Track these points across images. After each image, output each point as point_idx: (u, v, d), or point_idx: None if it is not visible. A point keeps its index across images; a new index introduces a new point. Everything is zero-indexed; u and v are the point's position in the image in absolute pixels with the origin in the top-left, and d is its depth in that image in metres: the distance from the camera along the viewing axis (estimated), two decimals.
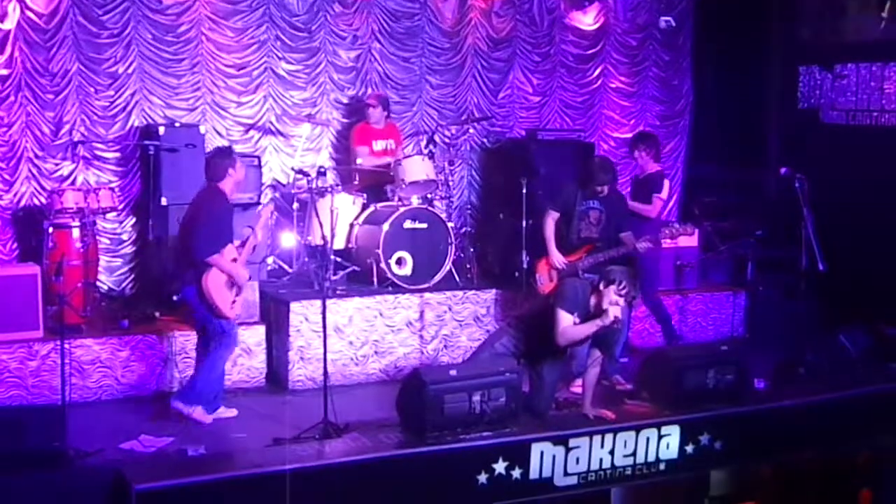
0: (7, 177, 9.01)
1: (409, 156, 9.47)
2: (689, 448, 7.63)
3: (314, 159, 10.01)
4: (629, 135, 11.34)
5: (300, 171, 9.48)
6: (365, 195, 9.47)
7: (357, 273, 9.20)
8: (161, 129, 9.01)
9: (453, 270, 9.27)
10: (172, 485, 6.24)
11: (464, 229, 10.32)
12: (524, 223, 9.28)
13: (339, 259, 9.12)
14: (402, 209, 9.05)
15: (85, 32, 9.15)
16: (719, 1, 11.36)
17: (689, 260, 10.13)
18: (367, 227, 9.17)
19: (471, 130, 10.68)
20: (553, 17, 11.09)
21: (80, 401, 7.73)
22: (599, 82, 11.38)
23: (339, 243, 9.15)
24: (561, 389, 7.89)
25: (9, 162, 9.01)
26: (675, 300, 9.95)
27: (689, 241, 9.87)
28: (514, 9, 10.91)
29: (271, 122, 9.99)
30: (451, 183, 10.07)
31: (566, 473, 7.22)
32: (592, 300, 7.34)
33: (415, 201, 9.27)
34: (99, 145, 9.31)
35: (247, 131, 9.92)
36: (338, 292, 8.77)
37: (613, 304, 7.20)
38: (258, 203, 9.25)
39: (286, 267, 9.23)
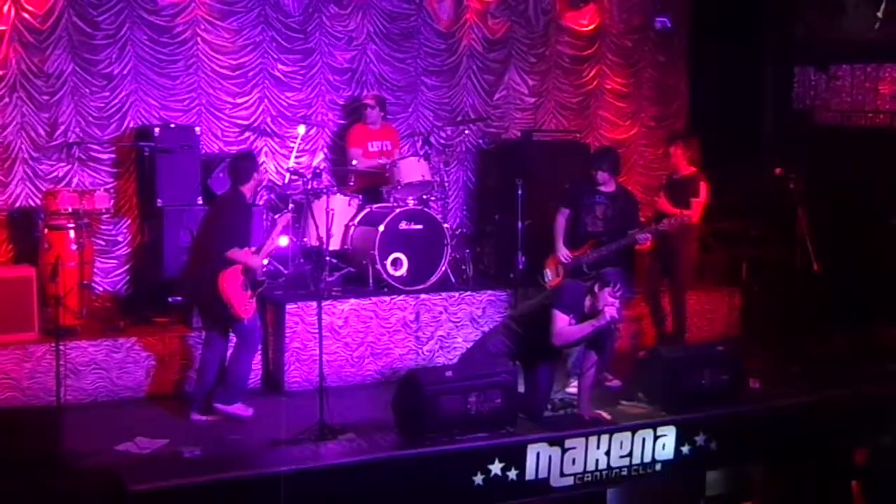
0: (2, 178, 8.98)
1: (405, 157, 9.47)
2: (685, 448, 7.65)
3: (310, 160, 10.01)
4: (624, 136, 11.40)
5: (296, 173, 9.48)
6: (360, 196, 9.47)
7: (353, 274, 9.21)
8: (156, 131, 9.01)
9: (449, 272, 9.27)
10: (168, 486, 6.24)
11: (459, 230, 10.31)
12: (520, 224, 9.28)
13: (334, 260, 9.13)
14: (397, 210, 9.05)
15: (80, 33, 9.13)
16: (714, 2, 11.39)
17: None
18: (363, 229, 9.17)
19: (466, 132, 10.65)
20: (548, 19, 11.09)
21: (76, 402, 7.74)
22: (595, 83, 11.39)
23: (334, 244, 9.15)
24: (557, 391, 7.91)
25: (4, 163, 8.98)
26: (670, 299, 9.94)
27: None
28: (509, 10, 10.91)
29: (267, 124, 9.97)
30: (446, 184, 10.10)
31: (562, 474, 7.24)
32: (588, 301, 7.36)
33: (410, 202, 9.27)
34: (94, 146, 9.28)
35: (242, 132, 9.90)
36: (333, 294, 8.78)
37: (609, 305, 7.23)
38: (254, 204, 9.24)
39: (282, 268, 9.22)
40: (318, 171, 9.66)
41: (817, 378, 8.64)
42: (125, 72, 9.34)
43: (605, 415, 7.54)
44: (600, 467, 7.35)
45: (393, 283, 8.98)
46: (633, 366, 8.66)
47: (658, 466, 7.57)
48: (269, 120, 9.98)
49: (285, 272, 9.20)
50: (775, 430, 8.01)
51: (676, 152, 9.20)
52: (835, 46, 10.72)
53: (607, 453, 7.36)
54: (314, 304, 7.83)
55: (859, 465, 8.49)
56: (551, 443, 7.18)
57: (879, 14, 10.14)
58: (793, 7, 11.12)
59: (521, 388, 7.50)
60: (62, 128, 9.15)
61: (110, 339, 8.12)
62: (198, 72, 9.64)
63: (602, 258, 8.34)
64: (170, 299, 8.65)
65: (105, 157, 9.37)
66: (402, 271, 9.05)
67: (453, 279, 9.32)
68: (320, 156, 10.14)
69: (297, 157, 9.82)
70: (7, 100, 8.93)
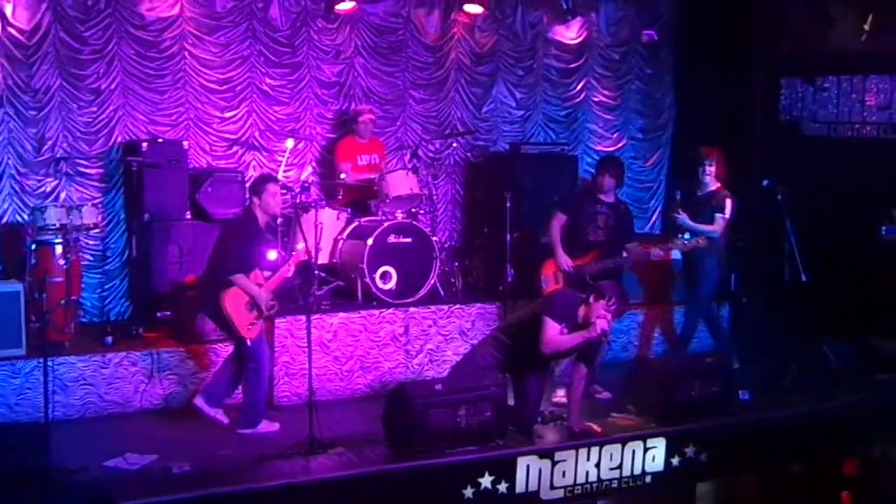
0: None
1: (394, 170, 9.48)
2: (675, 460, 7.64)
3: (298, 174, 10.00)
4: (612, 148, 11.41)
5: (284, 186, 9.44)
6: (349, 210, 9.47)
7: (342, 288, 9.20)
8: (144, 145, 9.00)
9: (438, 285, 9.27)
10: (157, 502, 6.21)
11: (448, 244, 10.33)
12: (509, 237, 9.28)
13: (323, 274, 9.12)
14: (386, 224, 9.06)
15: (67, 48, 9.12)
16: (701, 15, 11.43)
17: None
18: (352, 242, 9.17)
19: (454, 145, 10.68)
20: (536, 32, 11.13)
21: (64, 418, 7.70)
22: (583, 96, 11.42)
23: (323, 258, 9.15)
24: (544, 402, 7.90)
25: None
26: (658, 312, 9.96)
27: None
28: (496, 23, 10.94)
29: (255, 138, 9.98)
30: (435, 197, 10.11)
31: (552, 487, 7.22)
32: (581, 312, 7.35)
33: (399, 216, 9.27)
34: (82, 161, 9.27)
35: (230, 146, 9.90)
36: (322, 307, 8.76)
37: (601, 317, 7.21)
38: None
39: None
40: (306, 184, 9.67)
41: (807, 389, 8.64)
42: (112, 87, 9.34)
43: (595, 427, 7.53)
44: (590, 480, 7.33)
45: (382, 296, 8.97)
46: (623, 377, 8.66)
47: (648, 478, 7.55)
48: (257, 134, 9.99)
49: None
50: (765, 442, 8.00)
51: (710, 171, 9.02)
52: (822, 58, 10.76)
53: (597, 466, 7.34)
54: (303, 318, 7.81)
55: (850, 475, 8.51)
56: (541, 455, 7.17)
57: (866, 26, 10.19)
58: (780, 19, 11.15)
59: (511, 401, 7.48)
60: (49, 143, 9.14)
61: (98, 354, 8.08)
62: (185, 86, 9.64)
63: (606, 270, 8.34)
64: (158, 314, 8.63)
65: (93, 171, 9.36)
66: (391, 285, 9.04)
67: (442, 292, 9.32)
68: (308, 169, 10.15)
69: (285, 171, 9.81)
70: None
